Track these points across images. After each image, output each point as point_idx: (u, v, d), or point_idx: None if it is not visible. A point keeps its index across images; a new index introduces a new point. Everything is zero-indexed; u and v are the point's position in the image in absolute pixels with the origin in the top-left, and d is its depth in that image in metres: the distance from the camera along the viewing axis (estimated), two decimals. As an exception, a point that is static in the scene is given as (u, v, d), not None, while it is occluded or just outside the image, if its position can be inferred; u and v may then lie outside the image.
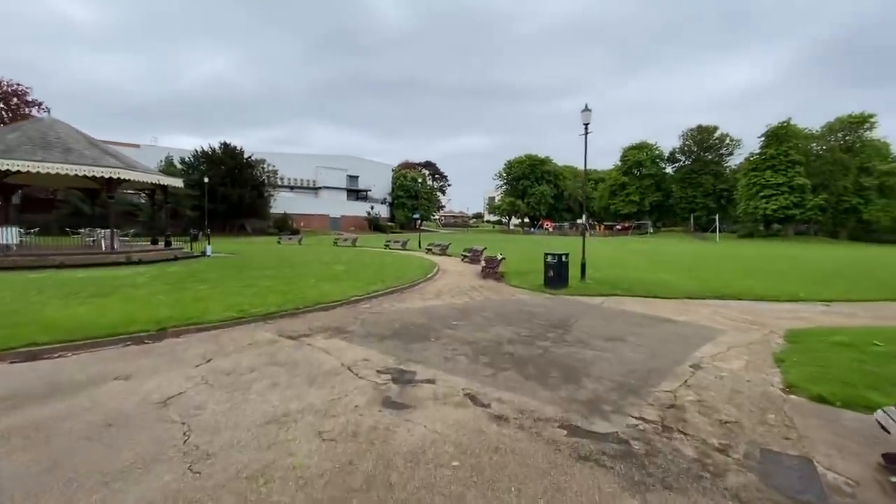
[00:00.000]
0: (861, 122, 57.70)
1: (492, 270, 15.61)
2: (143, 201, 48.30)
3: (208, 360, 6.00)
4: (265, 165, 61.58)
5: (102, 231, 18.89)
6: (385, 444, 3.73)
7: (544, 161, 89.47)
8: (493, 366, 5.91)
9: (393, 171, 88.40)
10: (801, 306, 10.83)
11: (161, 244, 21.32)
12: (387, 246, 31.58)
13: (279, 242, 36.43)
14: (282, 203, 64.44)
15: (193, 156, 57.29)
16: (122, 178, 17.25)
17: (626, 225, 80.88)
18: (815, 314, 9.90)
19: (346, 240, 35.01)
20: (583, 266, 13.89)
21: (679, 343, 7.23)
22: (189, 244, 23.21)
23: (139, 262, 17.04)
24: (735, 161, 77.25)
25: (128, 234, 21.52)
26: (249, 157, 58.70)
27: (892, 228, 57.51)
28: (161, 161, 54.36)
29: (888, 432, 3.52)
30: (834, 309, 10.55)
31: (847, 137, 59.07)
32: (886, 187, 56.10)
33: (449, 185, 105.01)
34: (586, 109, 13.53)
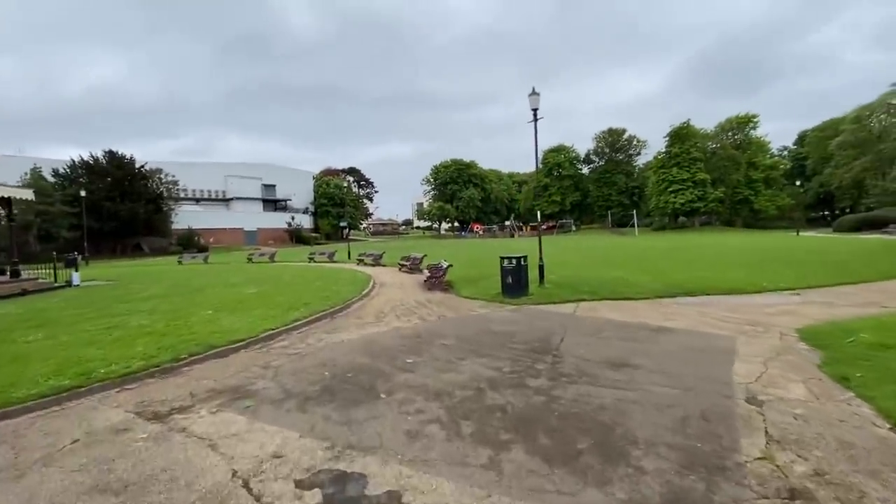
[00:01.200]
0: (746, 121, 64.53)
1: (437, 280, 13.54)
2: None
3: (-34, 499, 3.21)
4: (162, 176, 54.19)
5: None
6: None
7: (470, 165, 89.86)
8: (486, 439, 3.80)
9: (315, 178, 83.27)
10: (775, 298, 10.08)
11: (7, 275, 16.43)
12: (311, 259, 28.22)
13: (180, 262, 31.32)
14: (186, 218, 57.23)
15: (70, 166, 48.62)
16: (-70, 189, 12.67)
17: (551, 224, 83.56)
18: (796, 306, 9.09)
19: (262, 255, 30.92)
20: (541, 269, 12.33)
21: (701, 362, 5.67)
22: (54, 272, 18.27)
23: (-39, 303, 12.56)
24: (642, 160, 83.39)
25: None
26: (142, 166, 51.21)
27: (777, 216, 65.06)
28: (26, 174, 45.23)
29: None
30: (807, 298, 9.92)
31: (736, 136, 65.75)
32: (770, 179, 63.26)
33: (376, 192, 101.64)
34: (534, 93, 12.03)
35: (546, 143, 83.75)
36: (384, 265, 22.97)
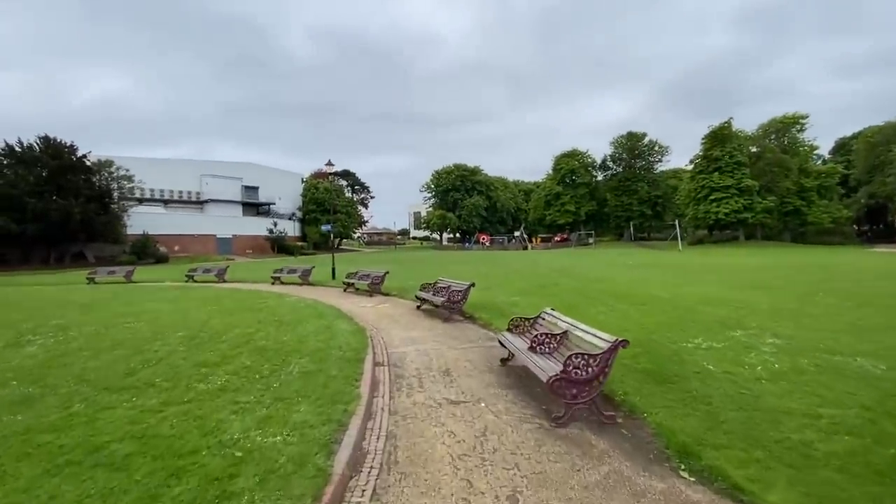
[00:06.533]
0: (793, 122, 56.57)
1: (584, 393, 4.39)
2: None
3: None
4: (113, 170, 44.62)
5: None
6: None
7: (475, 171, 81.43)
8: None
9: (304, 181, 74.14)
10: None
11: None
12: (276, 279, 18.93)
13: (92, 281, 21.78)
14: (144, 221, 47.54)
15: (-11, 152, 38.95)
16: None
17: (564, 236, 75.20)
18: None
19: (208, 271, 21.59)
20: None
21: None
22: None
23: None
24: (663, 168, 75.44)
25: None
26: (83, 156, 41.59)
27: (827, 230, 56.64)
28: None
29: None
30: None
31: (781, 139, 57.73)
32: (823, 188, 55.15)
33: (372, 198, 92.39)
34: None
35: (535, 159, 75.99)
36: (386, 294, 13.88)
